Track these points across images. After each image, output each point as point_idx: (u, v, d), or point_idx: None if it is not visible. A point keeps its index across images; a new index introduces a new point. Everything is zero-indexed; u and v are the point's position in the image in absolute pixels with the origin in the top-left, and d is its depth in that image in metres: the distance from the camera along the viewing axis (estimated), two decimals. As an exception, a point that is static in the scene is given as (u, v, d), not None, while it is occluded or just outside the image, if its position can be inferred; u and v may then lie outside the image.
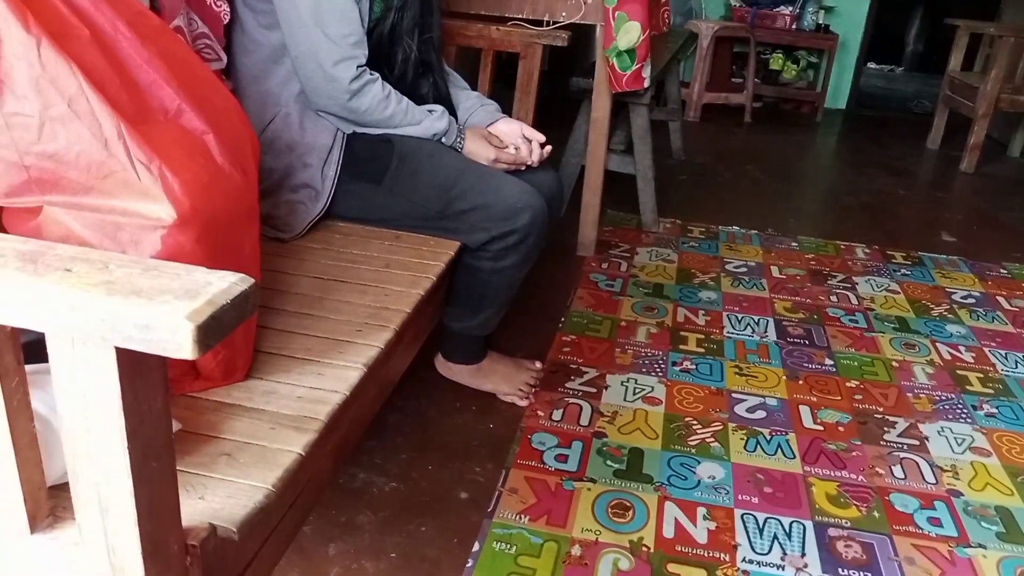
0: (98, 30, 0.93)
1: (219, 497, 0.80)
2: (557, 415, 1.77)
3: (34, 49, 0.84)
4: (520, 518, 1.45)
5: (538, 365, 1.90)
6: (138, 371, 0.63)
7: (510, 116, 1.79)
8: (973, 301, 2.51)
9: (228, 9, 1.51)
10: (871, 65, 7.03)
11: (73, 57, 0.88)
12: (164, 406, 0.69)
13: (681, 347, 2.11)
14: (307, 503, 1.00)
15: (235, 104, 1.11)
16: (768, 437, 1.74)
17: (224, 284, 0.62)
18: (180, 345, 0.58)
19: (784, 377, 1.99)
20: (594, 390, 1.88)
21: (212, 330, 0.59)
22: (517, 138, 1.68)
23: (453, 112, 1.70)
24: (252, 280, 0.65)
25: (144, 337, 0.58)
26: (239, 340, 1.00)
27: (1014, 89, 3.92)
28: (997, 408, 1.92)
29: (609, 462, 1.62)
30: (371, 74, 1.48)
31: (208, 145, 0.99)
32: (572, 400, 1.83)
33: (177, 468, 0.79)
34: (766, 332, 2.22)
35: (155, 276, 0.64)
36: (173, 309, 0.58)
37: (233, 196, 0.99)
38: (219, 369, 0.99)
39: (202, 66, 1.09)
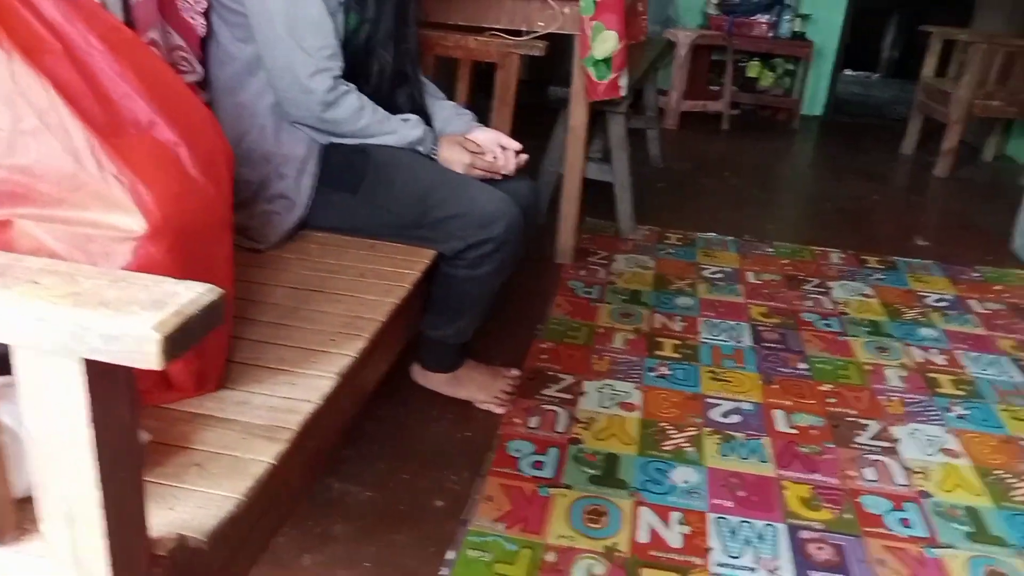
0: (70, 44, 0.94)
1: (189, 507, 0.81)
2: (534, 422, 1.78)
3: (5, 63, 0.85)
4: (495, 525, 1.46)
5: (515, 372, 1.92)
6: (106, 382, 0.63)
7: (488, 126, 1.81)
8: (946, 304, 2.55)
9: (204, 22, 1.52)
10: (848, 72, 7.11)
11: (45, 71, 0.88)
12: (132, 417, 0.69)
13: (657, 353, 2.13)
14: (280, 513, 1.00)
15: (209, 116, 1.12)
16: (743, 441, 1.76)
17: (192, 294, 0.63)
18: (147, 355, 0.59)
19: (759, 381, 2.01)
20: (571, 397, 1.89)
21: (179, 340, 0.60)
22: (494, 146, 1.69)
23: (429, 122, 1.71)
24: (220, 291, 0.66)
25: (111, 348, 0.59)
26: (211, 351, 1.01)
27: (987, 95, 3.98)
28: (968, 410, 1.95)
29: (585, 468, 1.64)
30: (346, 85, 1.49)
31: (180, 157, 1.00)
32: (549, 407, 1.84)
33: (147, 479, 0.79)
34: (742, 337, 2.24)
35: (123, 287, 0.65)
36: (140, 320, 0.59)
37: (205, 207, 1.00)
38: (191, 380, 0.99)
39: (176, 78, 1.10)
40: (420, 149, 1.57)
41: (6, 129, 0.86)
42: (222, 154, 1.08)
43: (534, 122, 2.92)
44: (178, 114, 1.04)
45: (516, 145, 1.71)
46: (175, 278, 0.69)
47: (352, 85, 1.51)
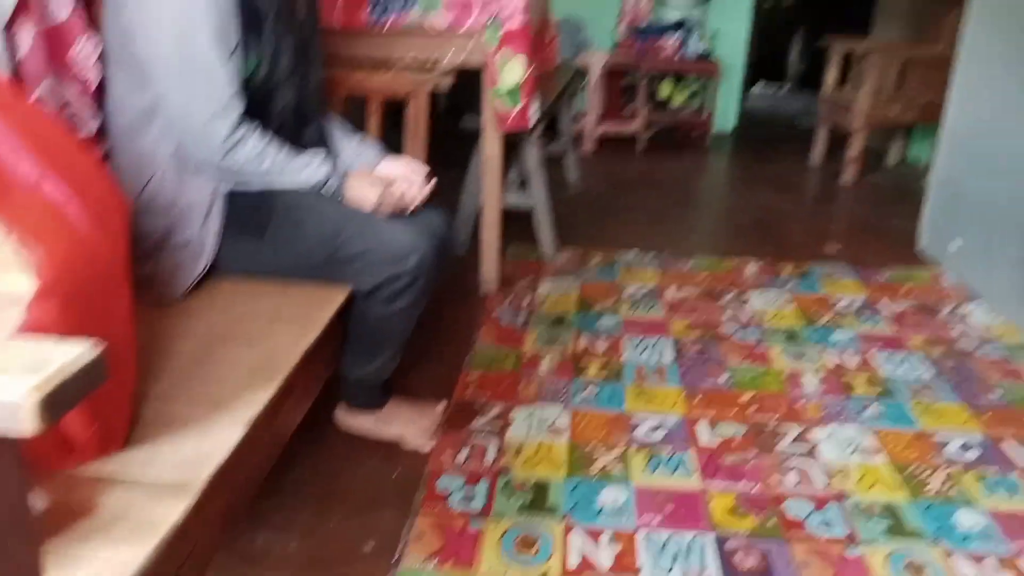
0: (-52, 105, 0.91)
1: (92, 574, 0.79)
2: (462, 456, 1.78)
3: None
4: (426, 564, 1.45)
5: (441, 406, 1.91)
6: (-15, 454, 0.62)
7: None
8: (857, 307, 2.64)
9: (98, 72, 1.49)
10: (757, 87, 7.36)
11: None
12: (19, 488, 0.67)
13: (583, 375, 2.15)
14: (194, 572, 0.98)
15: (101, 169, 1.10)
16: (668, 456, 1.79)
17: (70, 355, 0.62)
18: (22, 422, 0.58)
19: (682, 396, 2.05)
20: (499, 427, 1.89)
21: (57, 403, 0.59)
22: (404, 175, 1.69)
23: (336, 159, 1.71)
24: (100, 348, 0.64)
25: (-15, 418, 0.58)
26: (111, 410, 0.98)
27: (885, 102, 4.16)
28: (881, 409, 2.01)
29: (514, 498, 1.64)
30: (246, 128, 1.48)
31: (71, 213, 0.98)
32: (477, 439, 1.84)
33: (47, 547, 0.77)
34: (664, 353, 2.28)
35: (2, 353, 0.64)
36: (14, 385, 0.58)
37: (99, 263, 0.98)
38: (93, 442, 0.97)
39: (65, 133, 1.08)
40: (325, 192, 1.56)
41: None
42: (116, 207, 1.06)
43: (451, 152, 2.95)
44: (68, 169, 1.02)
45: (422, 169, 1.72)
46: (70, 337, 0.67)
47: (253, 127, 1.49)
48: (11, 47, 1.37)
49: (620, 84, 5.03)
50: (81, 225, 0.99)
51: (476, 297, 2.65)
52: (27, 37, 1.38)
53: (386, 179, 1.64)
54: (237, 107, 1.46)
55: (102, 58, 1.49)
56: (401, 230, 1.53)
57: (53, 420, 0.60)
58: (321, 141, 1.71)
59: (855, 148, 4.20)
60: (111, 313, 1.02)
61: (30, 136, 0.99)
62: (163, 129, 1.48)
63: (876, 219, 3.69)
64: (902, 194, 4.03)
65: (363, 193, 1.58)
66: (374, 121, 2.19)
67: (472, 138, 2.77)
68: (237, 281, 1.55)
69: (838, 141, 4.44)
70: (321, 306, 1.46)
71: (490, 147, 2.55)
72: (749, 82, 5.71)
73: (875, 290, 2.79)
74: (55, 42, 1.45)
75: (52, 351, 0.63)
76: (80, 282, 0.94)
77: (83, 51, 1.48)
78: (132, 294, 1.07)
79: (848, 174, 4.25)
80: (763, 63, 7.07)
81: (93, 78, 1.50)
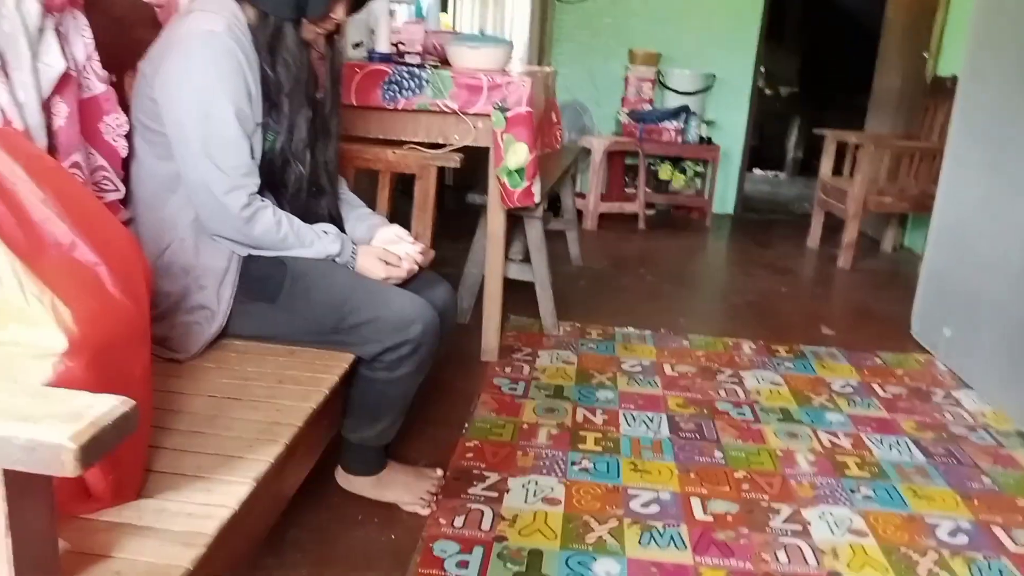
0: (-5, 174, 0.99)
1: (104, 616, 0.83)
2: (459, 522, 1.81)
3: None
4: (420, 626, 1.47)
5: (439, 472, 1.95)
6: (24, 492, 0.67)
7: (409, 231, 1.86)
8: (851, 390, 2.69)
9: (126, 143, 1.58)
10: (756, 171, 7.54)
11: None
12: (50, 526, 0.72)
13: (580, 446, 2.19)
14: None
15: (127, 235, 1.17)
16: (661, 530, 1.81)
17: (106, 407, 0.68)
18: (64, 464, 0.63)
19: (676, 471, 2.08)
20: (496, 494, 1.93)
21: (94, 449, 0.65)
22: (398, 242, 1.76)
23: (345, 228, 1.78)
24: (132, 403, 0.70)
25: (31, 458, 0.63)
26: (127, 461, 1.03)
27: (879, 192, 4.28)
28: (873, 490, 2.05)
29: (509, 565, 1.66)
30: (262, 201, 1.56)
31: (100, 276, 1.05)
32: (474, 506, 1.87)
33: (62, 589, 0.81)
34: (660, 428, 2.32)
35: (42, 402, 0.69)
36: (58, 431, 0.64)
37: (124, 323, 1.04)
38: (109, 490, 1.01)
39: (95, 202, 1.16)
40: (338, 260, 1.63)
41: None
42: (141, 272, 1.13)
43: (457, 224, 3.04)
44: (98, 235, 1.09)
45: (418, 246, 1.78)
46: (93, 391, 0.73)
47: (268, 200, 1.58)
48: (48, 117, 1.46)
49: (622, 165, 5.18)
50: (109, 287, 1.05)
51: (476, 364, 2.70)
52: (64, 108, 1.47)
53: (398, 258, 1.71)
54: (254, 181, 1.55)
55: (130, 131, 1.58)
56: (406, 300, 1.60)
57: (88, 465, 0.65)
58: (333, 212, 1.79)
59: (850, 234, 4.31)
60: (132, 370, 1.07)
61: (65, 203, 1.07)
62: (184, 198, 1.56)
63: (870, 303, 3.77)
64: (896, 280, 4.12)
65: (372, 267, 1.65)
66: (385, 194, 2.28)
67: (477, 211, 2.86)
68: (246, 344, 1.61)
69: (834, 227, 4.55)
70: (326, 370, 1.52)
71: (494, 223, 2.63)
72: (747, 166, 5.87)
73: (868, 373, 2.84)
74: (89, 114, 1.54)
75: (89, 402, 0.69)
76: (107, 341, 1.00)
77: (113, 123, 1.58)
78: (151, 353, 1.13)
79: (844, 259, 4.35)
80: (761, 149, 7.27)
81: (121, 150, 1.59)
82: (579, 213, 4.53)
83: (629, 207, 5.03)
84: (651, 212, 5.27)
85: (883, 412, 2.53)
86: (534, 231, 2.93)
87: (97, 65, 1.51)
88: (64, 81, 1.43)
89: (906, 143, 4.41)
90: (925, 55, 4.70)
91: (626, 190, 5.20)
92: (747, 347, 3.03)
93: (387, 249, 1.74)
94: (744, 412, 2.46)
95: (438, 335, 1.65)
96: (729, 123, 5.61)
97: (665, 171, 5.42)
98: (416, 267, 1.75)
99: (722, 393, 2.60)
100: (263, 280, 1.59)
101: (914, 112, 4.71)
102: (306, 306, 1.58)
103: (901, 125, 4.92)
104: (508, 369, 2.70)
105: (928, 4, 4.73)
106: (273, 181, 1.64)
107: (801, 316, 3.51)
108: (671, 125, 5.24)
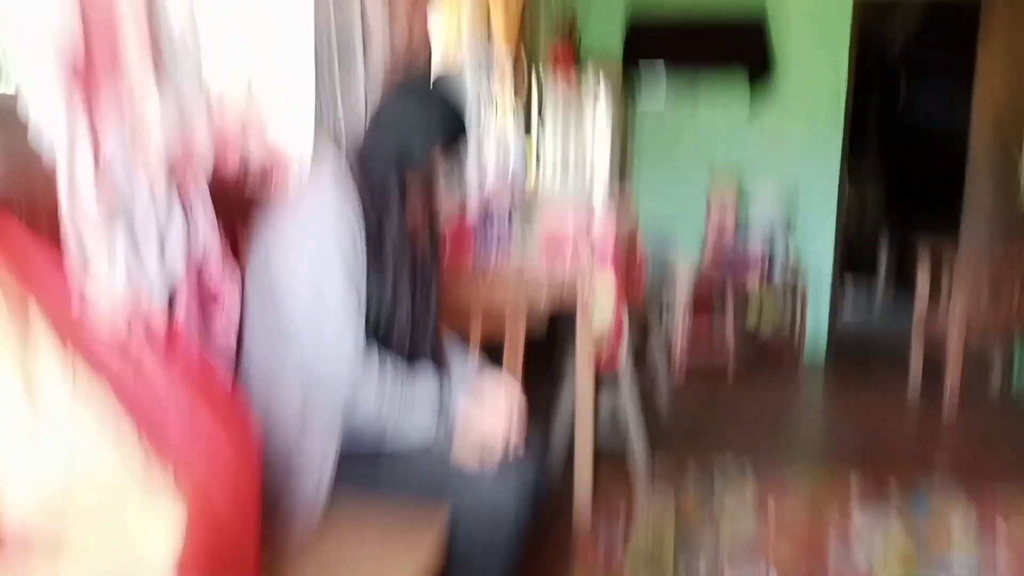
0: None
1: None
2: None
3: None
4: None
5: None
6: None
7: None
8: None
9: (234, 341, 1.65)
10: (848, 293, 7.33)
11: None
12: None
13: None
14: None
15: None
16: None
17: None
18: None
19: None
20: None
21: None
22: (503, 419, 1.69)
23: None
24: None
25: None
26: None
27: (982, 313, 4.15)
28: None
29: None
30: (366, 383, 1.56)
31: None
32: None
33: None
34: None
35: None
36: None
37: (229, 543, 1.07)
38: None
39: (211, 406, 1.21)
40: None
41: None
42: (254, 490, 1.16)
43: (544, 390, 3.00)
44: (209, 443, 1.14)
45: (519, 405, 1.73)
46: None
47: (373, 378, 1.57)
48: (170, 310, 1.53)
49: (707, 315, 5.11)
50: (219, 501, 1.09)
51: (568, 538, 2.62)
52: (183, 300, 1.54)
53: (488, 435, 1.67)
54: (360, 359, 1.57)
55: (240, 328, 1.66)
56: (500, 487, 1.59)
57: None
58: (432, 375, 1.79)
59: (952, 376, 4.13)
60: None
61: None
62: (291, 388, 1.61)
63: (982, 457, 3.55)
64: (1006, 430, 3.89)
65: (467, 457, 1.64)
66: (475, 344, 2.26)
67: (563, 376, 2.85)
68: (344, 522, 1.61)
69: (935, 365, 4.39)
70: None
71: (583, 389, 2.62)
72: (838, 287, 5.71)
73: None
74: (206, 305, 1.61)
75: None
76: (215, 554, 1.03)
77: (227, 314, 1.65)
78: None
79: (948, 412, 4.16)
80: (851, 255, 6.98)
81: (233, 341, 1.65)
82: (667, 365, 4.47)
83: (717, 358, 4.96)
84: (738, 363, 5.14)
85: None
86: (624, 392, 2.89)
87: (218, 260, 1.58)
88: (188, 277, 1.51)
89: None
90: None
91: (710, 345, 5.11)
92: (854, 492, 2.87)
93: (478, 428, 1.71)
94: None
95: (530, 517, 1.63)
96: (816, 253, 5.49)
97: (752, 316, 5.33)
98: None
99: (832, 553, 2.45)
100: (360, 469, 1.63)
101: (1013, 214, 4.57)
102: (402, 497, 1.60)
103: (997, 232, 4.76)
104: (602, 542, 2.60)
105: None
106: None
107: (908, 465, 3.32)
108: (755, 261, 5.25)
